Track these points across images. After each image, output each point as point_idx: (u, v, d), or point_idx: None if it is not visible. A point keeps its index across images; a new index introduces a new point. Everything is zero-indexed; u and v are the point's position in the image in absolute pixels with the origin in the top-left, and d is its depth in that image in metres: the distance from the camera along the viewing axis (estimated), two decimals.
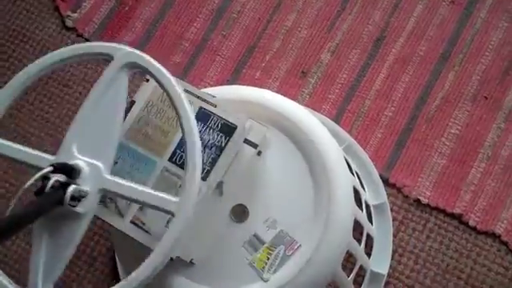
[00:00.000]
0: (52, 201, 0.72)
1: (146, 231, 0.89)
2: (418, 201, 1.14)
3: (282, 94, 1.04)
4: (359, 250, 1.01)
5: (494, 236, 1.10)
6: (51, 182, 0.72)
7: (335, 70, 1.26)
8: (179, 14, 1.35)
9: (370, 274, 1.07)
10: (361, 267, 1.04)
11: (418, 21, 1.28)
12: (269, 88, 1.23)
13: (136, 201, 0.76)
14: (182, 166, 0.92)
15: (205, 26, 1.33)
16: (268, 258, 0.91)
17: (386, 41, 1.27)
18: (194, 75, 1.29)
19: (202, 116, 0.93)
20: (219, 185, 0.92)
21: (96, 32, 1.35)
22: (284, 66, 1.28)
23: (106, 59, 0.81)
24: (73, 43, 1.34)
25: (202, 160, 0.90)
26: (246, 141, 0.94)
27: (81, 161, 0.76)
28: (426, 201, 1.14)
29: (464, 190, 1.14)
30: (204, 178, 0.90)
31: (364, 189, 1.12)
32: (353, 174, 1.06)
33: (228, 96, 0.99)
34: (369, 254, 1.08)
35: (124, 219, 0.90)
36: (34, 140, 1.28)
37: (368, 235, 1.06)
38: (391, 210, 1.13)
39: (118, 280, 1.14)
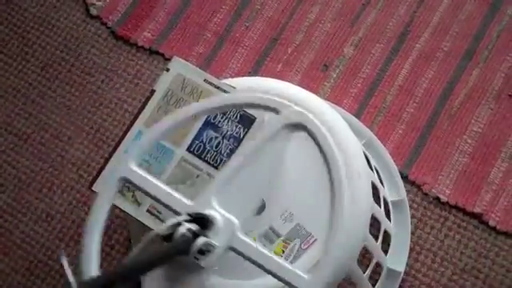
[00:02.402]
0: (179, 250, 0.68)
1: (162, 220, 0.89)
2: (437, 199, 1.13)
3: (303, 88, 1.04)
4: (376, 246, 1.00)
5: None
6: (183, 229, 0.68)
7: (358, 64, 1.25)
8: (202, 5, 1.34)
9: (386, 271, 1.06)
10: (377, 264, 1.03)
11: (443, 16, 1.26)
12: (290, 81, 1.22)
13: (263, 268, 0.71)
14: (199, 156, 0.92)
15: (228, 17, 1.33)
16: (283, 252, 0.91)
17: (410, 36, 1.26)
18: (215, 66, 1.29)
19: None
20: None
21: (120, 21, 1.35)
22: (306, 59, 1.27)
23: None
24: (96, 31, 1.35)
25: (220, 151, 0.91)
26: None
27: (217, 213, 0.72)
28: (446, 199, 1.12)
29: (485, 190, 1.12)
30: None
31: (383, 185, 1.11)
32: (372, 169, 1.05)
33: (248, 87, 0.99)
34: (386, 251, 1.07)
35: (140, 208, 0.91)
36: (56, 127, 1.29)
37: (385, 232, 1.05)
38: (410, 207, 1.12)
39: None
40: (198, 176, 0.91)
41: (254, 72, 1.27)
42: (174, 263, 0.71)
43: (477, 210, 1.11)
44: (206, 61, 1.30)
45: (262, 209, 0.93)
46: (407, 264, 1.08)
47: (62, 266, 0.67)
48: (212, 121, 0.93)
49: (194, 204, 0.73)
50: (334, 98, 1.23)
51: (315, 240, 0.90)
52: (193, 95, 0.95)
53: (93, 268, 0.71)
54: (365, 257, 1.04)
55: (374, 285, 1.03)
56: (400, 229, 1.09)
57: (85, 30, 1.36)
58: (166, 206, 0.74)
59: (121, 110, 1.28)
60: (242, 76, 1.26)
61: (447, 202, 1.12)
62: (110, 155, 0.94)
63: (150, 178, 0.76)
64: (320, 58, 1.27)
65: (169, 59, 1.29)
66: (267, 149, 0.75)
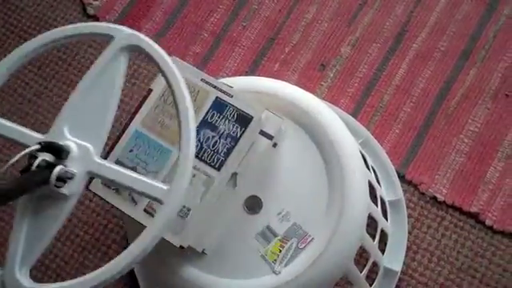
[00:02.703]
0: (37, 180, 0.71)
1: None
2: (434, 198, 1.13)
3: (300, 87, 1.04)
4: (373, 245, 1.00)
5: (511, 236, 1.09)
6: (38, 160, 0.70)
7: (355, 64, 1.25)
8: (199, 4, 1.34)
9: (383, 271, 1.06)
10: (374, 263, 1.03)
11: (440, 16, 1.26)
12: (287, 80, 1.22)
13: (124, 186, 0.74)
14: (196, 155, 0.91)
15: (225, 17, 1.33)
16: (280, 251, 0.91)
17: (407, 35, 1.26)
18: (212, 66, 1.29)
19: (218, 106, 0.93)
20: (233, 176, 0.92)
21: (117, 20, 1.35)
22: (303, 59, 1.27)
23: (107, 40, 0.80)
24: None
25: (217, 150, 0.91)
26: (262, 132, 0.93)
27: (71, 141, 0.75)
28: (443, 198, 1.12)
29: (481, 189, 1.12)
30: (218, 169, 0.90)
31: (380, 184, 1.11)
32: (369, 169, 1.05)
33: (245, 87, 0.99)
34: (383, 251, 1.07)
35: (137, 207, 0.90)
36: None
37: (382, 231, 1.05)
38: (407, 206, 1.12)
39: (131, 269, 1.15)
40: (194, 175, 0.91)
41: (251, 71, 1.27)
42: (38, 197, 0.73)
43: (473, 209, 1.11)
44: (203, 60, 1.30)
45: (259, 208, 0.93)
46: (404, 263, 1.08)
47: None
48: (209, 120, 0.93)
49: (46, 135, 0.76)
50: (331, 98, 1.23)
51: (312, 239, 0.90)
52: (190, 95, 0.95)
53: None
54: (362, 256, 1.05)
55: (371, 284, 1.04)
56: (397, 228, 1.09)
57: None
58: (17, 142, 0.77)
59: (118, 109, 1.27)
60: (239, 75, 1.26)
61: (444, 202, 1.12)
62: (107, 155, 0.94)
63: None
64: (317, 57, 1.27)
65: None
66: (108, 73, 0.78)
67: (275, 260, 0.90)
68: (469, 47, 1.23)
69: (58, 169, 0.71)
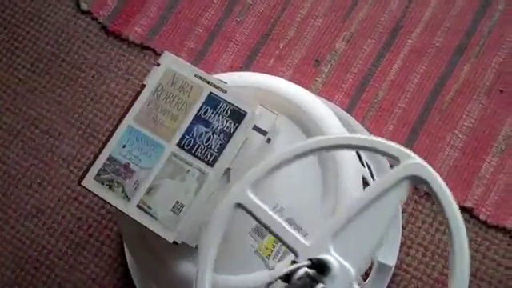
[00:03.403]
0: None
1: (153, 216, 0.89)
2: (428, 193, 1.13)
3: (295, 83, 1.03)
4: None
5: (505, 230, 1.09)
6: (301, 272, 0.67)
7: (349, 60, 1.25)
8: (194, 0, 1.34)
9: (377, 265, 1.06)
10: None
11: (435, 11, 1.26)
12: (282, 76, 1.22)
13: None
14: (190, 151, 0.91)
15: (219, 12, 1.32)
16: (274, 246, 0.90)
17: (402, 31, 1.25)
18: (206, 61, 1.28)
19: (212, 101, 0.93)
20: (227, 172, 0.92)
21: (110, 16, 1.34)
22: (298, 55, 1.27)
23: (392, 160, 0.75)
24: (87, 27, 1.34)
25: (210, 146, 0.91)
26: (256, 128, 0.93)
27: (334, 259, 0.70)
28: None
29: (476, 184, 1.12)
30: (212, 165, 0.90)
31: (374, 180, 1.10)
32: (363, 164, 1.05)
33: (239, 82, 0.99)
34: None
35: (130, 203, 0.90)
36: (46, 122, 1.28)
37: None
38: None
39: (125, 265, 1.14)
40: (188, 171, 0.91)
41: (246, 67, 1.27)
42: None
43: (468, 204, 1.11)
44: (198, 56, 1.29)
45: None
46: (398, 258, 1.08)
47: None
48: (202, 116, 0.92)
49: (312, 245, 0.71)
50: (326, 93, 1.23)
51: (306, 234, 0.90)
52: (183, 90, 0.95)
53: None
54: None
55: (365, 279, 1.03)
56: (391, 223, 1.09)
57: (75, 25, 1.35)
58: (283, 243, 0.73)
59: (111, 105, 1.27)
60: (234, 71, 1.25)
61: None
62: (100, 151, 0.93)
63: (266, 208, 0.74)
64: (312, 53, 1.26)
65: (160, 54, 1.28)
66: (385, 199, 0.72)
67: (269, 255, 0.90)
68: (463, 43, 1.22)
69: (319, 287, 0.67)
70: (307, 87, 1.20)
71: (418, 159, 0.74)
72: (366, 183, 1.01)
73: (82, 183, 0.93)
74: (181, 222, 0.88)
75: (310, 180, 0.93)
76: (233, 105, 0.92)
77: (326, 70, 1.25)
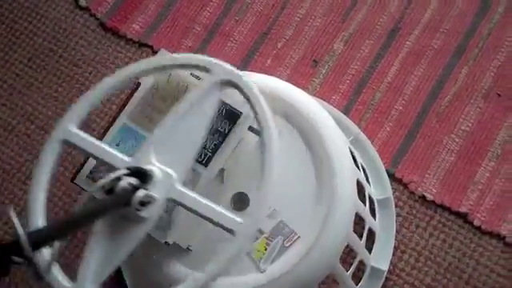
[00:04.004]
0: (120, 202, 0.72)
1: None
2: (423, 197, 1.12)
3: (292, 83, 1.03)
4: (360, 244, 1.00)
5: (499, 237, 1.08)
6: (123, 183, 0.72)
7: (347, 61, 1.24)
8: None
9: (370, 270, 1.05)
10: (361, 262, 1.03)
11: (434, 13, 1.25)
12: (279, 76, 1.21)
13: (201, 215, 0.75)
14: None
15: (218, 11, 1.32)
16: (266, 249, 0.90)
17: (400, 33, 1.25)
18: None
19: None
20: (220, 172, 0.91)
21: (109, 12, 1.34)
22: (296, 55, 1.26)
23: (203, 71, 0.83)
24: (85, 23, 1.34)
25: (205, 146, 0.90)
26: (250, 128, 0.93)
27: (155, 167, 0.76)
28: (432, 198, 1.12)
29: (471, 189, 1.12)
30: (205, 165, 0.90)
31: (369, 183, 1.10)
32: (358, 167, 1.05)
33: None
34: (370, 250, 1.06)
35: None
36: (42, 118, 1.27)
37: (370, 230, 1.04)
38: (396, 205, 1.11)
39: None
40: None
41: (243, 66, 1.26)
42: (116, 217, 0.74)
43: (462, 209, 1.10)
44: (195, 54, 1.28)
45: (245, 205, 0.92)
46: (391, 263, 1.08)
47: (9, 219, 0.72)
48: None
49: (133, 160, 0.77)
50: (323, 94, 1.22)
51: (298, 237, 0.90)
52: (178, 88, 0.94)
53: (40, 221, 0.78)
54: (349, 255, 1.04)
55: (357, 283, 1.03)
56: (385, 227, 1.08)
57: (73, 22, 1.35)
58: (106, 163, 0.79)
59: (108, 102, 1.27)
60: None
61: (433, 201, 1.11)
62: None
63: (88, 137, 0.81)
64: (310, 53, 1.26)
65: (157, 52, 1.27)
66: (200, 105, 0.79)
67: (260, 258, 0.90)
68: (462, 45, 1.22)
69: (141, 193, 0.72)
70: (304, 88, 1.20)
71: (226, 66, 0.81)
72: (360, 186, 1.01)
73: (75, 181, 0.93)
74: (173, 222, 0.87)
75: (304, 183, 0.92)
76: (228, 105, 0.92)
77: (324, 71, 1.24)
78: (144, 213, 0.73)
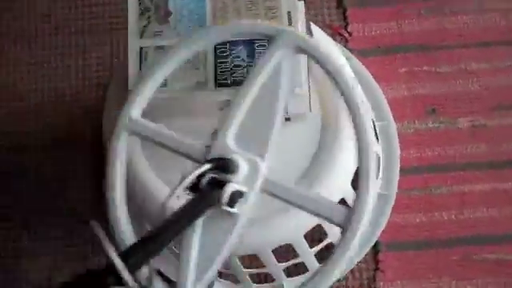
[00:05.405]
0: (209, 201, 0.64)
1: None
2: None
3: None
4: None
5: None
6: (206, 179, 0.64)
7: None
8: None
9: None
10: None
11: None
12: None
13: (300, 206, 0.66)
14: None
15: None
16: None
17: None
18: None
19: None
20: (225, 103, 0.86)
21: None
22: None
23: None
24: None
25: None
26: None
27: (238, 155, 0.66)
28: None
29: None
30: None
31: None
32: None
33: None
34: None
35: None
36: None
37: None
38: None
39: None
40: None
41: None
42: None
43: None
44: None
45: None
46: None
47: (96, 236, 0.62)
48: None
49: (212, 150, 0.68)
50: None
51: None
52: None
53: (127, 235, 0.69)
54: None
55: None
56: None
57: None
58: (182, 154, 0.70)
59: None
60: None
61: None
62: None
63: (158, 127, 0.73)
64: None
65: None
66: (272, 78, 0.69)
67: None
68: None
69: (230, 188, 0.64)
70: None
71: (292, 30, 0.74)
72: None
73: None
74: None
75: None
76: None
77: None
78: (236, 209, 0.64)
